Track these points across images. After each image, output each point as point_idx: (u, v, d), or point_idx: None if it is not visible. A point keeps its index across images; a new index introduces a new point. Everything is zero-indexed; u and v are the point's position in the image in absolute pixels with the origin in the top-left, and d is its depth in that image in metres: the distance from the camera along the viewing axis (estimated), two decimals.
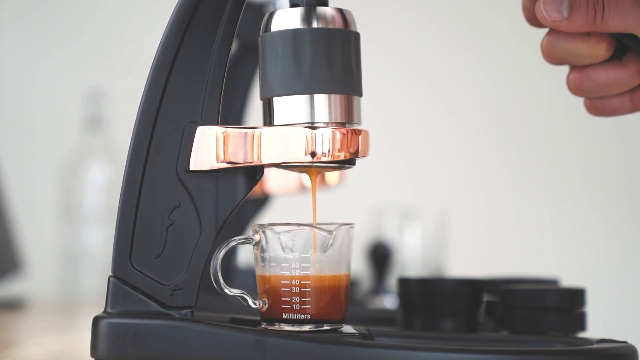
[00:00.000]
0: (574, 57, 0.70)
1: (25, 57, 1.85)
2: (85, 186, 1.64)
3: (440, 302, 0.78)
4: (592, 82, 0.71)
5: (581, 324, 0.75)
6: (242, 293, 0.67)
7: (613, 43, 0.70)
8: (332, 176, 1.09)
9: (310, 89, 0.65)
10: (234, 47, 1.01)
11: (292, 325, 0.66)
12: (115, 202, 0.66)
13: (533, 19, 0.71)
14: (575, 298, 0.76)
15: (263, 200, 1.06)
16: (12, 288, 1.47)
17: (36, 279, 1.63)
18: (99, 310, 0.67)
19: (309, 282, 0.66)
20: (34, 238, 1.70)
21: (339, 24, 0.66)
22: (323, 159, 0.65)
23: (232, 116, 1.00)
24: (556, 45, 0.70)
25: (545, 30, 0.71)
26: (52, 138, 1.81)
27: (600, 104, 0.73)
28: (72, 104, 1.76)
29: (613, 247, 1.86)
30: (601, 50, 0.70)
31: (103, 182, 1.64)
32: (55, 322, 1.24)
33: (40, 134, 1.83)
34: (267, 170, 0.70)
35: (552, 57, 0.71)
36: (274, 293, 0.66)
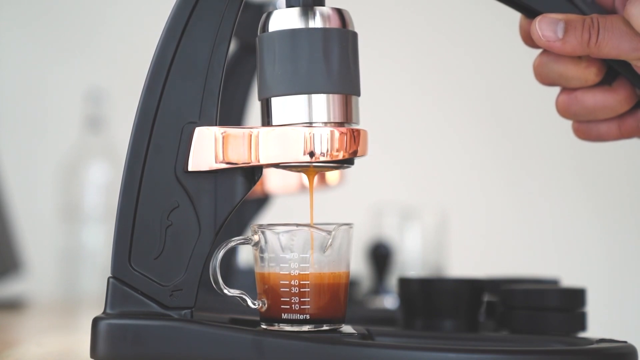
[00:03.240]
0: (564, 79, 0.71)
1: (26, 57, 1.84)
2: (85, 186, 1.64)
3: (440, 302, 0.78)
4: (579, 105, 0.71)
5: (581, 324, 0.75)
6: (242, 293, 0.67)
7: (603, 68, 0.70)
8: (332, 176, 1.10)
9: (308, 89, 0.65)
10: (234, 47, 1.02)
11: (292, 326, 0.66)
12: (115, 202, 0.66)
13: (528, 39, 0.72)
14: (575, 298, 0.76)
15: (263, 200, 1.06)
16: (12, 288, 1.47)
17: (36, 279, 1.63)
18: (99, 310, 0.67)
19: (308, 282, 0.66)
20: (34, 238, 1.70)
21: (336, 23, 0.65)
22: (321, 158, 0.65)
23: (233, 116, 1.01)
24: (548, 66, 0.71)
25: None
26: (52, 138, 1.81)
27: (587, 128, 0.73)
28: (72, 104, 1.76)
29: (613, 247, 1.86)
30: (591, 74, 0.70)
31: (103, 182, 1.64)
32: (55, 322, 1.24)
33: (40, 134, 1.83)
34: (267, 170, 0.70)
35: (543, 77, 0.72)
36: (273, 293, 0.66)
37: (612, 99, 0.71)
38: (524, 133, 1.88)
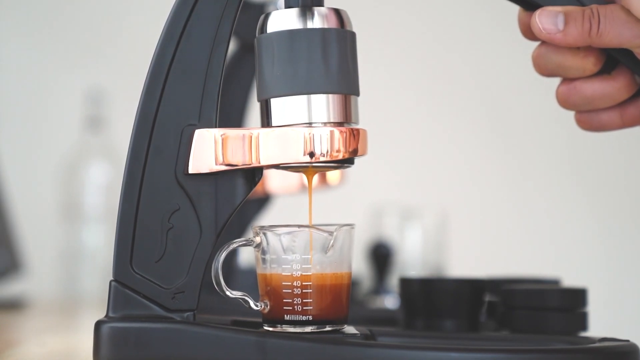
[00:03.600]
0: (563, 69, 0.71)
1: (26, 57, 1.84)
2: (85, 186, 1.64)
3: (441, 302, 0.78)
4: (579, 95, 0.71)
5: (583, 324, 0.75)
6: (244, 295, 0.67)
7: (602, 57, 0.70)
8: (333, 176, 1.09)
9: (307, 89, 0.65)
10: (235, 47, 1.02)
11: (294, 327, 0.66)
12: (115, 202, 0.66)
13: (528, 32, 0.71)
14: (576, 298, 0.75)
15: (264, 201, 1.06)
16: (13, 288, 1.47)
17: (36, 279, 1.63)
18: (99, 310, 0.67)
19: (310, 283, 0.66)
20: (34, 238, 1.70)
21: (334, 23, 0.65)
22: (321, 158, 0.65)
23: (234, 117, 1.00)
24: (546, 57, 0.70)
25: None
26: (52, 138, 1.81)
27: (589, 118, 0.73)
28: (72, 104, 1.76)
29: (613, 246, 1.86)
30: (589, 64, 0.70)
31: (103, 182, 1.64)
32: (55, 322, 1.24)
33: (40, 133, 1.83)
34: (268, 170, 0.70)
35: (542, 68, 0.71)
36: (275, 295, 0.66)
37: (612, 88, 0.71)
38: (524, 133, 1.88)
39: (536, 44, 0.71)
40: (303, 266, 0.66)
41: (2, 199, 1.45)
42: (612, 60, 0.70)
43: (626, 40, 0.67)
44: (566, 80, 0.72)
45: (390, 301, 1.27)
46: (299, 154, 0.65)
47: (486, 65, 1.89)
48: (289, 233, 0.66)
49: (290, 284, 0.66)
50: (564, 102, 0.72)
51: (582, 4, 0.68)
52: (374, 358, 0.62)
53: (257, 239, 0.67)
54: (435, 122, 1.89)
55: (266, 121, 0.66)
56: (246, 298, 0.66)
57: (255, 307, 0.67)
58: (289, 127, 0.65)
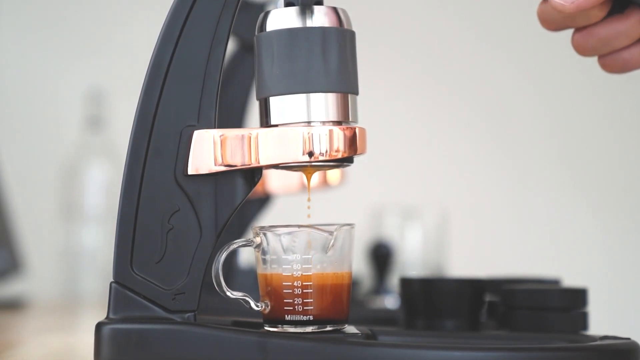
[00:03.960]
0: (570, 20, 0.70)
1: (26, 57, 1.84)
2: (85, 186, 1.64)
3: (442, 302, 0.78)
4: (594, 38, 0.70)
5: (583, 324, 0.75)
6: (244, 296, 0.66)
7: (608, 1, 0.69)
8: (333, 176, 1.09)
9: (306, 88, 0.65)
10: (235, 47, 1.01)
11: (295, 327, 0.66)
12: (115, 202, 0.66)
13: None
14: (577, 298, 0.75)
15: (264, 201, 1.06)
16: (12, 288, 1.47)
17: (36, 279, 1.63)
18: (99, 310, 0.67)
19: (311, 283, 0.66)
20: (34, 238, 1.70)
21: (334, 22, 0.65)
22: (321, 158, 0.64)
23: (233, 117, 1.00)
24: (552, 12, 0.70)
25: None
26: (53, 138, 1.81)
27: (611, 60, 0.72)
28: (72, 104, 1.76)
29: (614, 246, 1.86)
30: (594, 9, 0.69)
31: (103, 182, 1.64)
32: (55, 322, 1.24)
33: (40, 134, 1.83)
34: (268, 171, 0.70)
35: (549, 23, 0.71)
36: (276, 295, 0.66)
37: (626, 25, 0.69)
38: (524, 133, 1.88)
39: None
40: (303, 266, 0.66)
41: (2, 199, 1.45)
42: (621, 0, 0.69)
43: None
44: (579, 28, 0.71)
45: (390, 301, 1.27)
46: (298, 154, 0.65)
47: (486, 65, 1.88)
48: (289, 233, 0.66)
49: (290, 284, 0.66)
50: (582, 49, 0.71)
51: None
52: (376, 357, 0.62)
53: (257, 240, 0.67)
54: (435, 121, 1.89)
55: (265, 120, 0.66)
56: (247, 298, 0.66)
57: (255, 308, 0.67)
58: (288, 127, 0.65)
